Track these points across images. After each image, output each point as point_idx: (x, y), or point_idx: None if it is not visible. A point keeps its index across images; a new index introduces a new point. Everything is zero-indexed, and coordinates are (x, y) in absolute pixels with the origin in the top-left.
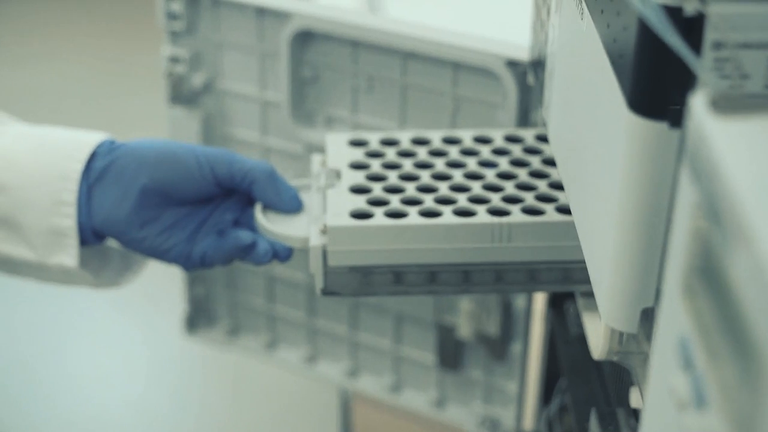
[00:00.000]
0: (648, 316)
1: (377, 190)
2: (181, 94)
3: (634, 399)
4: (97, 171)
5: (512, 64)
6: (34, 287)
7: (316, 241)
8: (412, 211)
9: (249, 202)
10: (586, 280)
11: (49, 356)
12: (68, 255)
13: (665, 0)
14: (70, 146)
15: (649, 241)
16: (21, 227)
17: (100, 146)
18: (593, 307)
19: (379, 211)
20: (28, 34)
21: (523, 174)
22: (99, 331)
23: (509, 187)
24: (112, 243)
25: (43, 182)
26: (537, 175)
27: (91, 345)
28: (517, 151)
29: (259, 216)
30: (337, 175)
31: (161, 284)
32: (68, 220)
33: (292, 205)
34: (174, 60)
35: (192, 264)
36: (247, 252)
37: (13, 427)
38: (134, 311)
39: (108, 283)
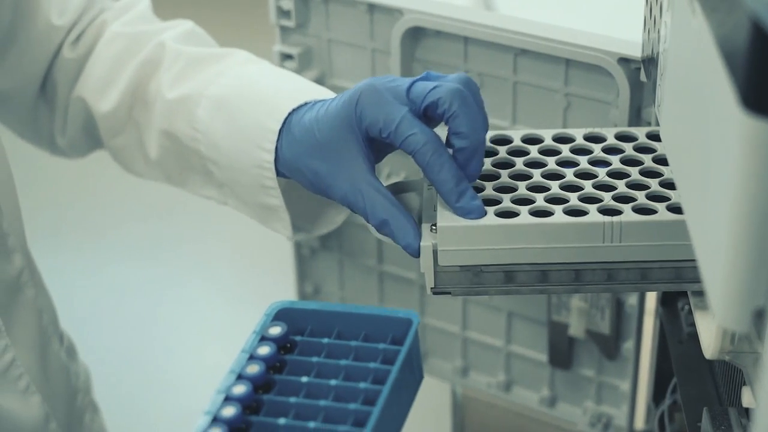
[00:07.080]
0: (761, 316)
1: (488, 189)
2: None
3: (746, 398)
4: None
5: (625, 62)
6: (152, 283)
7: (426, 240)
8: (523, 210)
9: None
10: (698, 279)
11: (160, 352)
12: (283, 228)
13: None
14: (257, 133)
15: (762, 241)
16: (240, 197)
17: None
18: (705, 306)
19: (490, 211)
20: None
21: (634, 173)
22: (209, 326)
23: (621, 186)
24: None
25: (243, 169)
26: (649, 173)
27: (201, 340)
28: (629, 149)
29: None
30: None
31: (272, 280)
32: (275, 200)
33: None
34: (285, 57)
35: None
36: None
37: (125, 420)
38: (245, 308)
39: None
